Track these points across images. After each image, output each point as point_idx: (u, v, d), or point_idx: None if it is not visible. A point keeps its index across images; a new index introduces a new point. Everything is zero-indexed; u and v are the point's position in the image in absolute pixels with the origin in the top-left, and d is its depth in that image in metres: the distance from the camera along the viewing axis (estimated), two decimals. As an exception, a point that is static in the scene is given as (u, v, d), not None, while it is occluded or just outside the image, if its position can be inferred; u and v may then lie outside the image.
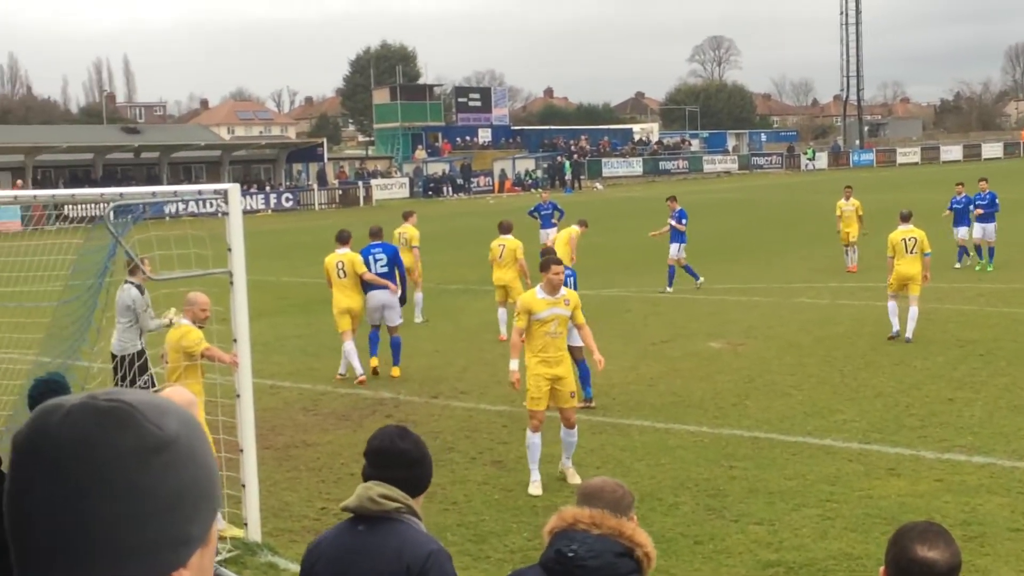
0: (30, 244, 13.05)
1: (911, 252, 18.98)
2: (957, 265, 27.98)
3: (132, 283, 13.12)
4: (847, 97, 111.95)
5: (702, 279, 26.07)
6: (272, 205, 68.80)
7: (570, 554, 3.96)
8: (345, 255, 17.47)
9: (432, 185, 78.49)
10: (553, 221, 30.29)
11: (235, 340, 10.28)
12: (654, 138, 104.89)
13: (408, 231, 22.77)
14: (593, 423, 13.82)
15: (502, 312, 20.05)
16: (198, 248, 10.53)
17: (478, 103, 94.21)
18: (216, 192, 10.69)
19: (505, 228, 20.72)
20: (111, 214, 9.92)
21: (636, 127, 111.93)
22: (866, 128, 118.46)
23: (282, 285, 29.34)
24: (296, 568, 6.96)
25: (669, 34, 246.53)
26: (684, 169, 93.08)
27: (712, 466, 12.04)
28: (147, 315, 13.14)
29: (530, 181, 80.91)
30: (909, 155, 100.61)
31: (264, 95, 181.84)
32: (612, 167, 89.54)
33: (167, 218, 42.36)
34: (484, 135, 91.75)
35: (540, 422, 11.61)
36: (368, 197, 72.50)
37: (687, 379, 16.48)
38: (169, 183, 61.32)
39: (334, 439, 13.89)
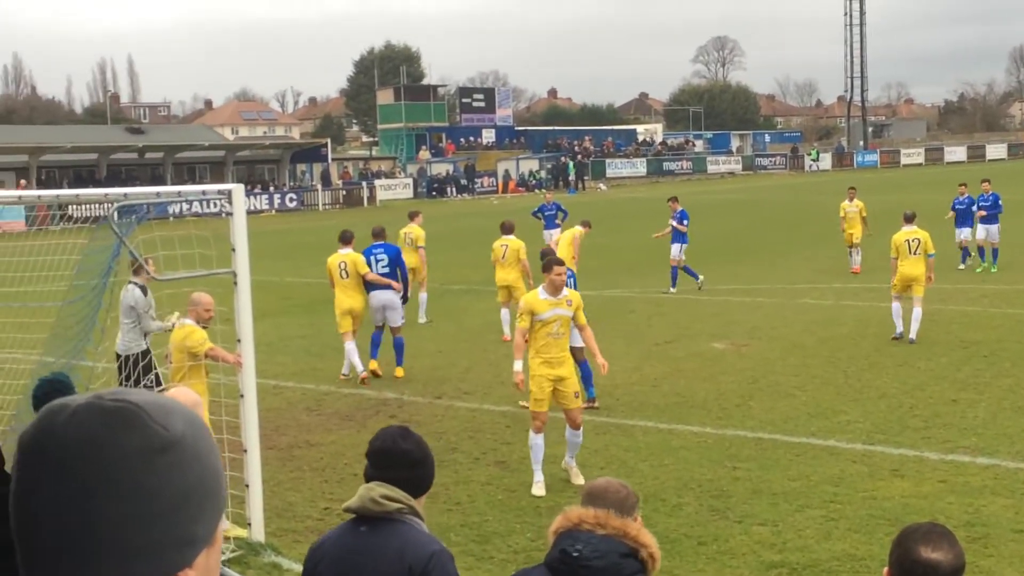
0: (34, 244, 13.05)
1: (915, 253, 18.97)
2: (961, 266, 27.95)
3: (136, 283, 13.13)
4: (851, 98, 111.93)
5: (702, 278, 26.07)
6: (276, 205, 68.83)
7: (575, 554, 3.96)
8: (348, 255, 17.47)
9: (436, 186, 78.49)
10: (557, 222, 30.33)
11: (239, 340, 10.29)
12: (658, 139, 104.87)
13: (414, 231, 22.78)
14: (597, 423, 13.81)
15: (505, 313, 20.05)
16: (202, 248, 10.53)
17: (482, 103, 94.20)
18: (220, 192, 10.70)
19: (507, 228, 20.73)
20: (115, 214, 9.92)
21: (640, 128, 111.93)
22: (870, 129, 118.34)
23: (286, 285, 29.35)
24: (300, 568, 6.97)
25: (673, 35, 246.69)
26: (688, 170, 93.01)
27: (716, 467, 12.04)
28: (148, 316, 13.14)
29: (534, 182, 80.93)
30: (913, 156, 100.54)
31: (268, 95, 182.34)
32: (616, 168, 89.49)
33: (171, 218, 42.34)
34: (488, 136, 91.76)
35: (543, 423, 11.61)
36: (372, 198, 72.54)
37: (691, 380, 16.48)
38: (173, 183, 61.39)
39: (338, 439, 13.90)
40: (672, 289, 25.75)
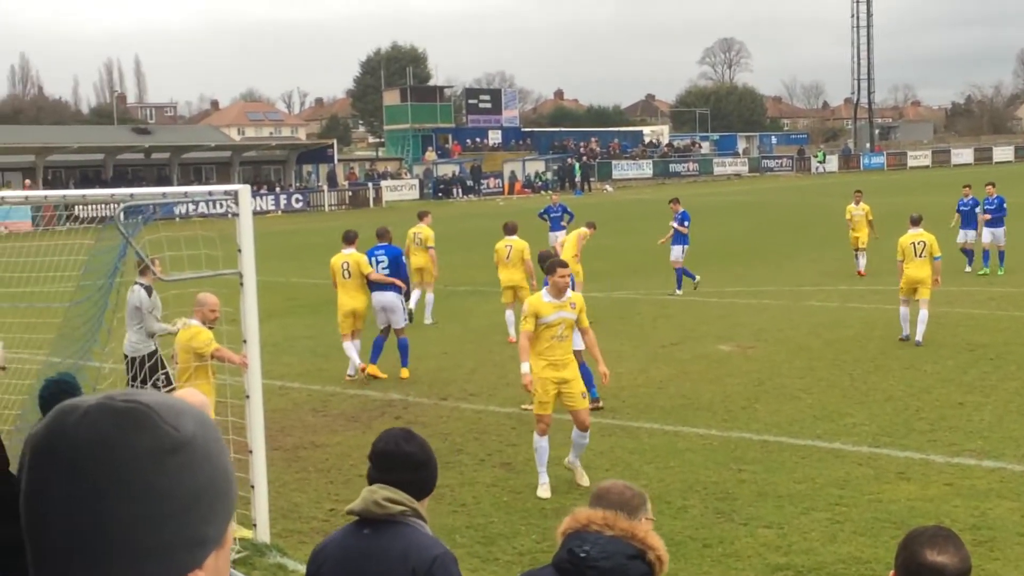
0: (41, 244, 13.07)
1: (920, 256, 18.97)
2: (967, 269, 27.92)
3: (141, 284, 13.15)
4: (858, 100, 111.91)
5: (698, 278, 26.05)
6: (282, 206, 68.91)
7: (582, 555, 3.97)
8: (351, 255, 17.49)
9: (442, 187, 78.54)
10: (562, 224, 30.33)
11: (245, 341, 10.30)
12: (664, 140, 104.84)
13: (423, 231, 22.78)
14: (602, 425, 13.81)
15: (510, 314, 20.04)
16: (208, 249, 10.55)
17: (488, 105, 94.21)
18: (226, 193, 10.71)
19: (510, 229, 20.74)
20: (121, 215, 9.94)
21: (646, 129, 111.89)
22: (877, 131, 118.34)
23: (292, 286, 29.38)
24: (304, 570, 6.97)
25: (679, 36, 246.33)
26: (694, 171, 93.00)
27: (721, 469, 12.03)
28: (152, 317, 13.14)
29: (540, 183, 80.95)
30: (920, 158, 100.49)
31: (274, 96, 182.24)
32: (622, 169, 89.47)
33: (177, 219, 42.47)
34: (494, 137, 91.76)
35: (547, 426, 11.60)
36: (378, 198, 72.61)
37: (696, 382, 16.47)
38: (179, 184, 61.46)
39: (343, 440, 13.91)
40: (678, 291, 25.76)
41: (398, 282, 17.54)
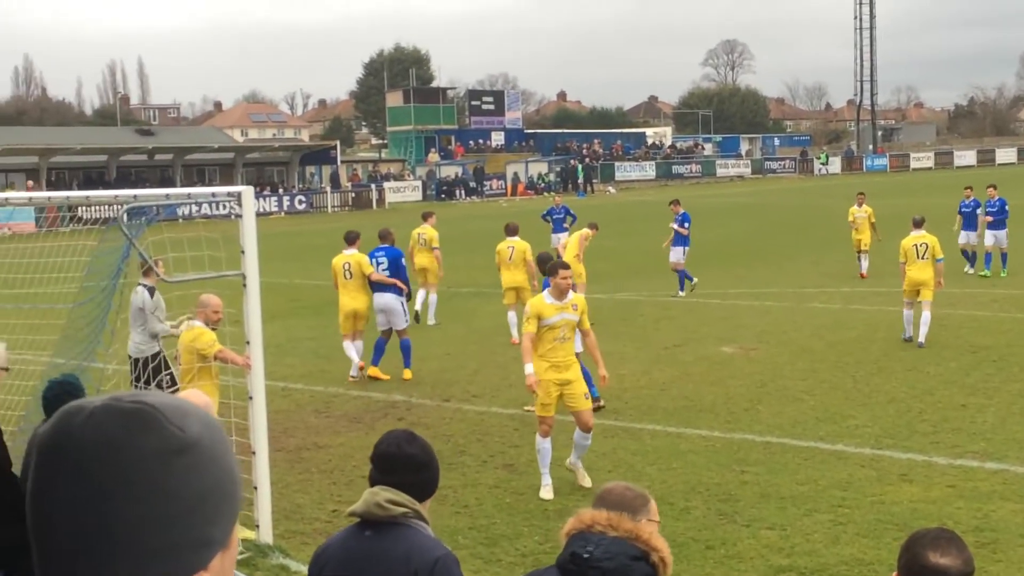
0: (44, 246, 13.07)
1: (923, 258, 18.97)
2: (969, 270, 27.91)
3: (144, 285, 13.15)
4: (861, 102, 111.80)
5: (696, 280, 26.05)
6: (285, 207, 68.96)
7: (585, 555, 3.97)
8: (352, 256, 17.50)
9: (445, 188, 78.57)
10: (565, 225, 30.34)
11: (248, 342, 10.30)
12: (667, 142, 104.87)
13: (428, 232, 22.78)
14: (605, 427, 13.80)
15: (512, 315, 20.04)
16: (211, 250, 10.55)
17: (491, 106, 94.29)
18: (229, 194, 10.71)
19: (512, 230, 20.75)
20: (125, 216, 9.95)
21: (649, 131, 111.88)
22: (880, 133, 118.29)
23: (295, 287, 29.40)
24: (307, 571, 6.97)
25: (682, 38, 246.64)
26: (697, 173, 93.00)
27: (724, 471, 12.03)
28: (154, 317, 13.14)
29: (543, 184, 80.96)
30: (923, 160, 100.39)
31: (277, 97, 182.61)
32: (625, 171, 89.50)
33: (180, 220, 42.46)
34: (497, 138, 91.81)
35: (550, 427, 11.60)
36: (381, 200, 72.65)
37: (699, 383, 16.47)
38: (182, 185, 61.56)
39: (346, 441, 13.91)
40: (680, 293, 25.76)
41: (398, 283, 17.55)
